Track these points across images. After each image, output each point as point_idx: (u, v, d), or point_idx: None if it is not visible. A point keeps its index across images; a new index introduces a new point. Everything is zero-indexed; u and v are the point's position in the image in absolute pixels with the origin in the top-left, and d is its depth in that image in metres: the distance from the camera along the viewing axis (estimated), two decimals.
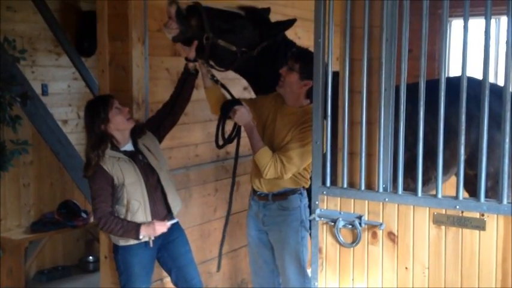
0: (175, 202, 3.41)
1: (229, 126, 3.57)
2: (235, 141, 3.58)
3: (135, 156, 3.28)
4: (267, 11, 3.66)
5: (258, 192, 3.47)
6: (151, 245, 3.27)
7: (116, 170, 3.19)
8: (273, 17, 3.71)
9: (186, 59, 3.42)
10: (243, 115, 3.27)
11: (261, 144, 3.27)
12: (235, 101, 3.38)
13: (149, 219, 3.24)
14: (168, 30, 3.25)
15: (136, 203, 3.22)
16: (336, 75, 2.63)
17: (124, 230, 3.18)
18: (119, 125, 3.22)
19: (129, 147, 3.30)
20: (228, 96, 3.56)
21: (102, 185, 3.18)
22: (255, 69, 3.54)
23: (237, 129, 3.50)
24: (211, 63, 3.49)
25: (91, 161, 3.17)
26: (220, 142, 3.47)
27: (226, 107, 3.35)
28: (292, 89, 3.28)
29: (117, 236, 3.25)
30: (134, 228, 3.19)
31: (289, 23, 3.51)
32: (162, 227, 3.25)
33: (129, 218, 3.22)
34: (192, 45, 3.32)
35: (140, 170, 3.25)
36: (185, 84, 3.45)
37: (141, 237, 3.19)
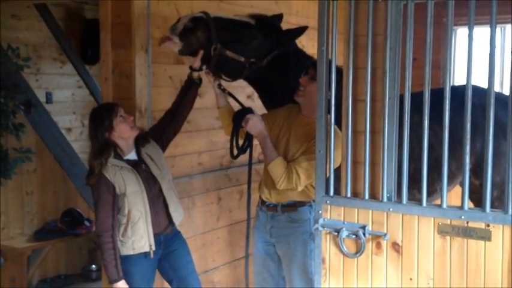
0: (177, 212, 3.38)
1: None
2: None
3: (138, 166, 3.26)
4: (279, 17, 3.57)
5: (267, 203, 3.42)
6: (151, 256, 3.25)
7: (118, 179, 3.17)
8: None
9: (191, 68, 3.39)
10: (255, 124, 3.23)
11: (275, 154, 3.21)
12: (247, 110, 3.33)
13: (150, 230, 3.22)
14: (173, 45, 3.22)
15: (137, 213, 3.20)
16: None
17: (105, 266, 3.18)
18: (123, 133, 3.21)
19: (132, 156, 3.28)
20: (236, 105, 3.52)
21: (104, 194, 3.16)
22: (264, 79, 3.48)
23: (249, 138, 3.42)
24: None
25: (94, 169, 3.16)
26: (235, 153, 3.40)
27: (238, 117, 3.30)
28: (312, 98, 3.19)
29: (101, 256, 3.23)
30: (113, 277, 3.16)
31: (300, 30, 3.44)
32: None
33: (129, 228, 3.20)
34: (197, 55, 3.28)
35: (142, 180, 3.23)
36: (188, 93, 3.43)
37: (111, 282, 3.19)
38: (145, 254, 3.25)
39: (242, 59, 3.30)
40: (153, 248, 3.24)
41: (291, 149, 3.28)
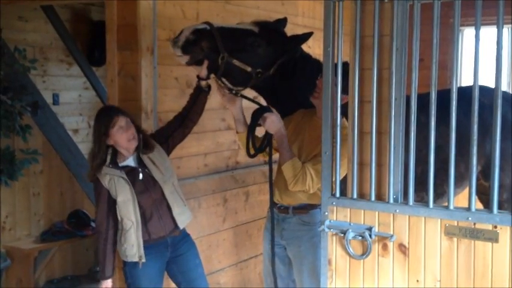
0: (182, 216, 3.36)
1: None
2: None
3: (135, 172, 3.25)
4: (283, 22, 3.54)
5: (278, 205, 3.39)
6: (140, 266, 3.24)
7: (111, 187, 3.19)
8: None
9: (198, 77, 3.37)
10: (273, 122, 3.18)
11: (291, 155, 3.17)
12: (265, 108, 3.29)
13: (140, 240, 3.22)
14: (179, 58, 3.23)
15: (128, 222, 3.20)
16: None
17: (100, 263, 3.28)
18: (119, 143, 3.21)
19: (130, 162, 3.27)
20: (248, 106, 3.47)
21: (101, 198, 3.22)
22: (271, 86, 3.44)
23: (268, 137, 3.34)
24: (225, 81, 3.39)
25: (93, 167, 3.20)
26: (252, 151, 3.35)
27: (256, 114, 3.27)
28: None
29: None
30: (102, 275, 3.27)
31: (305, 36, 3.40)
32: None
33: (122, 235, 3.23)
34: (203, 64, 3.26)
35: (138, 187, 3.22)
36: (197, 101, 3.42)
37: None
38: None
39: (249, 69, 3.28)
40: (143, 259, 3.22)
41: (304, 151, 3.24)
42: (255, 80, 3.33)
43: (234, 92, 3.37)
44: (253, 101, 3.44)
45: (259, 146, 3.35)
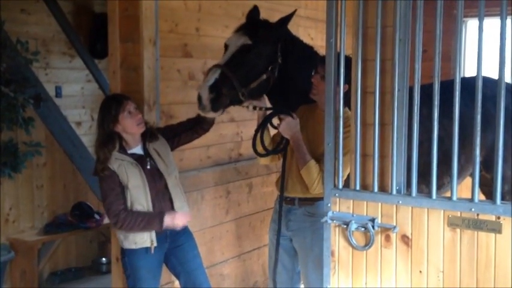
0: (182, 210, 3.36)
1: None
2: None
3: (143, 160, 3.26)
4: (255, 11, 3.48)
5: (284, 196, 3.38)
6: (152, 251, 3.24)
7: (121, 172, 3.18)
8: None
9: None
10: (288, 125, 3.15)
11: (309, 158, 3.15)
12: (280, 110, 3.26)
13: None
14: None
15: (139, 207, 3.20)
16: None
17: (147, 220, 3.17)
18: (128, 129, 3.21)
19: (137, 150, 3.28)
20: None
21: (111, 185, 3.18)
22: (279, 77, 3.38)
23: (285, 141, 3.28)
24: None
25: (100, 158, 3.18)
26: (259, 148, 3.28)
27: (272, 115, 3.25)
28: None
29: (138, 231, 3.20)
30: (158, 216, 3.17)
31: (289, 16, 3.38)
32: (181, 220, 3.25)
33: None
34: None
35: (147, 174, 3.23)
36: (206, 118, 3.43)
37: (164, 226, 3.18)
38: (147, 249, 3.24)
39: (264, 76, 3.28)
40: (155, 243, 3.23)
41: (310, 146, 3.22)
42: (273, 76, 3.32)
43: (262, 107, 3.32)
44: (271, 108, 3.39)
45: (276, 147, 3.32)
